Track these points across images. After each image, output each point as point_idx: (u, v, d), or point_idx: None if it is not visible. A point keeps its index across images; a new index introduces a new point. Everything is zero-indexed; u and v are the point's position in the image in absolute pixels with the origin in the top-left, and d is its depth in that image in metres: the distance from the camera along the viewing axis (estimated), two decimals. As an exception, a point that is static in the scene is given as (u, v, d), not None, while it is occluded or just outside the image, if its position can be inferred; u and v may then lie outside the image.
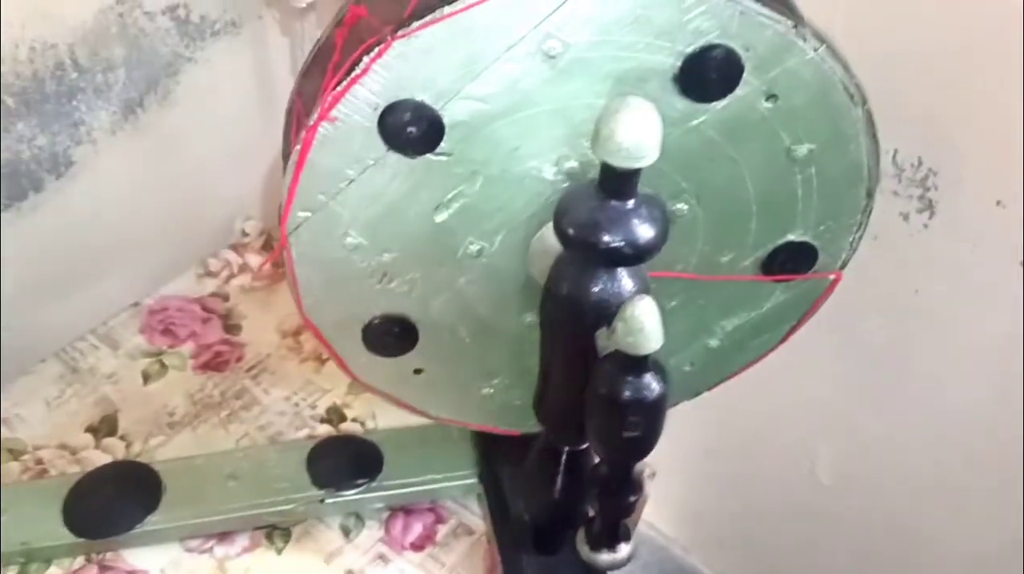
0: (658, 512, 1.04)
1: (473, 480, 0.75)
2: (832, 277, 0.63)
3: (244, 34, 0.93)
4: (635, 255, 0.49)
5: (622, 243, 0.48)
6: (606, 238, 0.48)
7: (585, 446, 0.62)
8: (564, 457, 0.62)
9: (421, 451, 0.76)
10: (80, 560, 0.70)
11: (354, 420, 0.82)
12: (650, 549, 1.09)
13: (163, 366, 0.86)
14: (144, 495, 0.71)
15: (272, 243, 1.00)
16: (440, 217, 0.55)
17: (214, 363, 0.86)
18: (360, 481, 0.73)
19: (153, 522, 0.70)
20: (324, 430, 0.81)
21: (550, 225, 0.54)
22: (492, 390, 0.66)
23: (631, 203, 0.48)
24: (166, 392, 0.83)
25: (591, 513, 0.58)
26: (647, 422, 0.48)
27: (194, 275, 0.96)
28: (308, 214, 0.54)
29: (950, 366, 0.74)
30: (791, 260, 0.61)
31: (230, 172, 1.00)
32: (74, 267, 0.89)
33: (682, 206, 0.57)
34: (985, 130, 0.62)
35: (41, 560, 0.69)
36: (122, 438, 0.79)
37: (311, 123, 0.51)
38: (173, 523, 0.70)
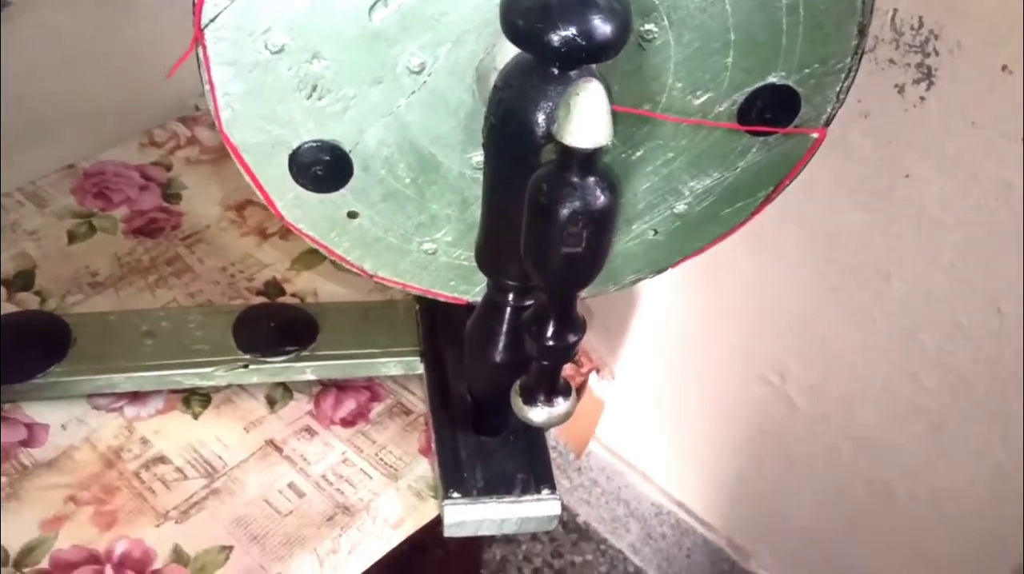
0: (619, 434, 0.99)
1: (414, 358, 0.69)
2: (815, 135, 0.57)
3: None
4: (590, 50, 0.42)
5: (575, 34, 0.42)
6: (559, 27, 0.42)
7: (530, 303, 0.56)
8: (507, 314, 0.56)
9: (362, 326, 0.70)
10: (-26, 409, 0.64)
11: (294, 295, 0.76)
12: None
13: (92, 227, 0.79)
14: (51, 345, 0.65)
15: (225, 119, 0.93)
16: (377, 18, 0.49)
17: (147, 229, 0.80)
18: (290, 348, 0.67)
19: (57, 373, 0.64)
20: (259, 302, 0.75)
21: (501, 40, 0.49)
22: (435, 246, 0.60)
23: (588, -12, 0.42)
24: (91, 253, 0.77)
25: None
26: (590, 236, 0.42)
27: (137, 144, 0.89)
28: (227, 2, 0.47)
29: (938, 270, 0.69)
30: (771, 108, 0.54)
31: (184, 42, 0.93)
32: (7, 121, 0.82)
33: (651, 27, 0.50)
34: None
35: (-70, 406, 0.63)
36: (37, 293, 0.73)
37: None
38: (80, 376, 0.64)
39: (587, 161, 0.40)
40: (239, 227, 0.82)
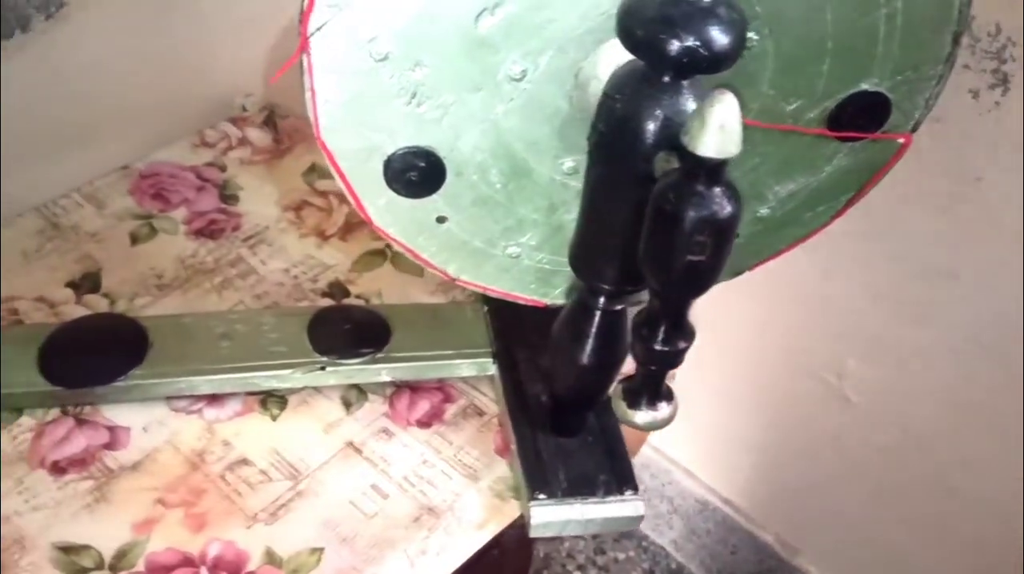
0: (663, 431, 0.99)
1: (487, 359, 0.69)
2: (901, 141, 0.57)
3: None
4: (711, 60, 0.43)
5: (697, 44, 0.42)
6: (680, 36, 0.42)
7: (620, 307, 0.57)
8: (597, 317, 0.57)
9: (433, 327, 0.71)
10: (55, 412, 0.64)
11: (358, 297, 0.76)
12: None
13: (153, 229, 0.79)
14: (128, 348, 0.65)
15: (274, 119, 0.93)
16: (483, 26, 0.49)
17: (208, 230, 0.80)
18: (365, 351, 0.67)
19: (137, 376, 0.64)
20: (326, 303, 0.75)
21: (603, 48, 0.49)
22: (519, 249, 0.60)
23: (707, 0, 0.42)
24: (155, 254, 0.77)
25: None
26: (715, 244, 0.42)
27: (189, 144, 0.89)
28: (335, 10, 0.48)
29: (1005, 271, 0.69)
30: (862, 115, 0.55)
31: (232, 42, 0.93)
32: (60, 121, 0.82)
33: (752, 35, 0.51)
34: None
35: (11, 408, 0.63)
36: (105, 295, 0.73)
37: None
38: (159, 379, 0.64)
39: (715, 171, 0.41)
40: (298, 228, 0.82)
